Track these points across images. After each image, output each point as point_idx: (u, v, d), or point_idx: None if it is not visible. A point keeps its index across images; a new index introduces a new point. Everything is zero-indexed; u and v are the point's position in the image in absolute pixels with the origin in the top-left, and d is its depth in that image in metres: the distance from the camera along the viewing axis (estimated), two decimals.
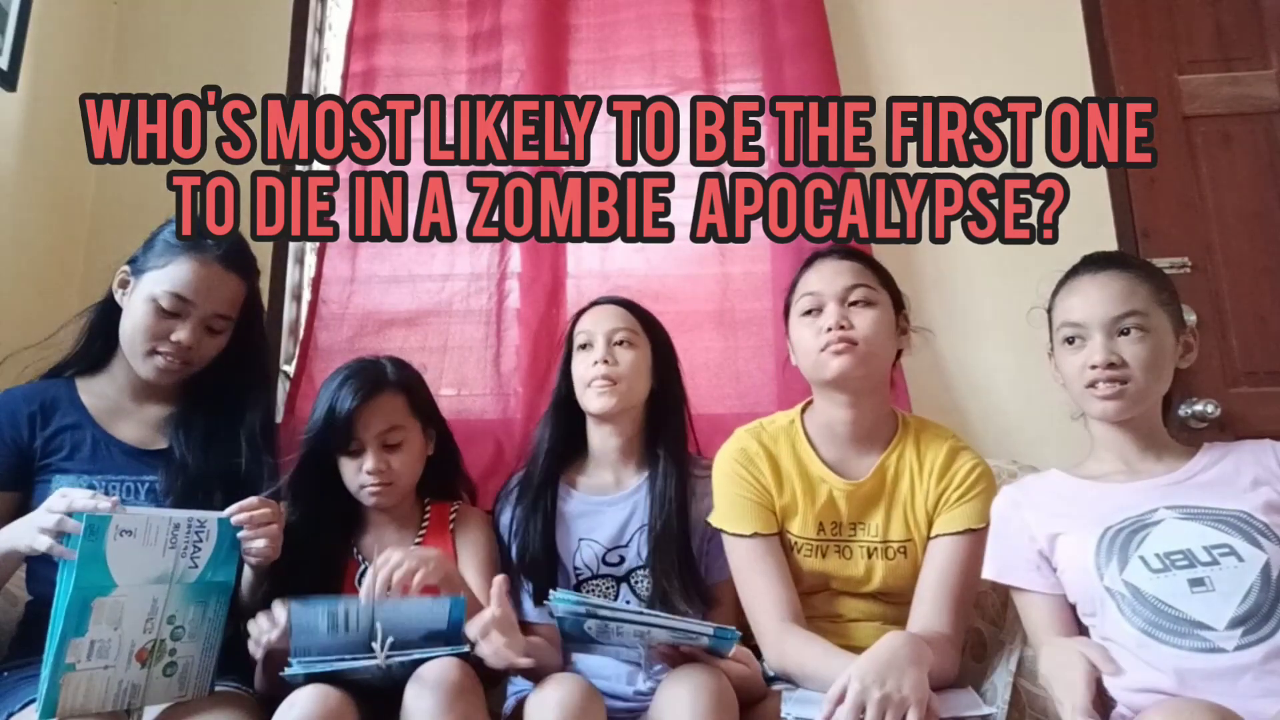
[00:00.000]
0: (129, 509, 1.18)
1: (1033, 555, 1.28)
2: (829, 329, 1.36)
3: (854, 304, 1.39)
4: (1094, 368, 1.27)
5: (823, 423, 1.44)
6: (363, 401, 1.43)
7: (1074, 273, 1.37)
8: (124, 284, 1.48)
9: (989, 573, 1.32)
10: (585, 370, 1.52)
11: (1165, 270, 1.97)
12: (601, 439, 1.56)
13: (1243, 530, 1.16)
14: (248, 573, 1.32)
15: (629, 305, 1.60)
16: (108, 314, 1.50)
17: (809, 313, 1.41)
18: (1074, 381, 1.32)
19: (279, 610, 1.22)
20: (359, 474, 1.44)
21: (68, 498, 1.17)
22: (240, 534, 1.24)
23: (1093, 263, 1.36)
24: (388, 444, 1.45)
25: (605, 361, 1.50)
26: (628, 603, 1.48)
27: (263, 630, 1.22)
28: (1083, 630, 1.27)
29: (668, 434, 1.56)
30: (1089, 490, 1.31)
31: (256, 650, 1.23)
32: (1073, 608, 1.27)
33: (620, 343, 1.53)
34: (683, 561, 1.45)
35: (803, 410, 1.50)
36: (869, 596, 1.42)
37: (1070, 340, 1.32)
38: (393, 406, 1.46)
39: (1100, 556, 1.21)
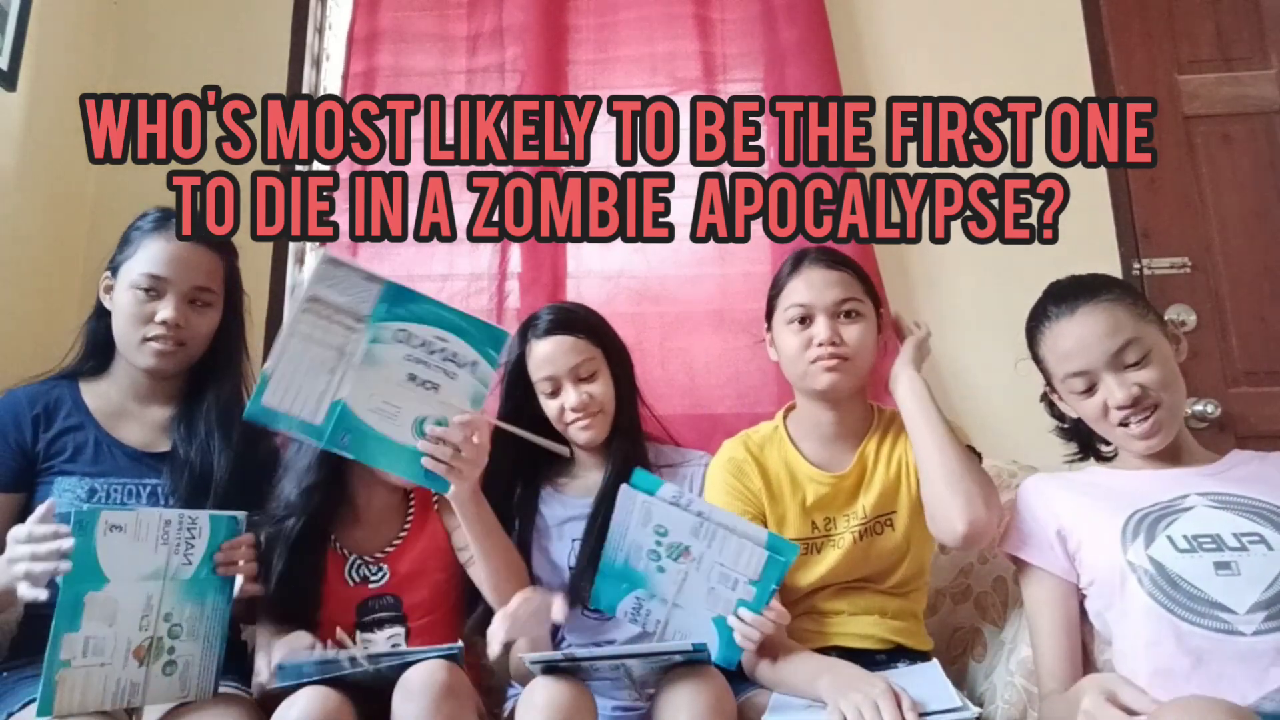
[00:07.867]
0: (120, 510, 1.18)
1: (1050, 536, 1.27)
2: (820, 344, 1.38)
3: (844, 316, 1.41)
4: (1121, 408, 1.24)
5: (808, 424, 1.48)
6: None
7: (1045, 317, 1.32)
8: (109, 288, 1.47)
9: (1007, 545, 1.31)
10: (561, 413, 1.50)
11: (1165, 270, 2.00)
12: (579, 449, 1.56)
13: (1275, 521, 1.15)
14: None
15: (576, 327, 1.54)
16: (101, 323, 1.49)
17: (796, 321, 1.42)
18: (1106, 425, 1.28)
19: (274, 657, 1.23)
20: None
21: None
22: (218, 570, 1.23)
23: (1061, 300, 1.31)
24: None
25: (584, 408, 1.49)
26: None
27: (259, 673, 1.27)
28: (1085, 627, 1.26)
29: (623, 432, 1.55)
30: (1121, 478, 1.30)
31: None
32: (1080, 600, 1.26)
33: (585, 378, 1.51)
34: None
35: (784, 415, 1.52)
36: (866, 587, 1.43)
37: (1085, 391, 1.27)
38: None
39: (1125, 535, 1.20)
